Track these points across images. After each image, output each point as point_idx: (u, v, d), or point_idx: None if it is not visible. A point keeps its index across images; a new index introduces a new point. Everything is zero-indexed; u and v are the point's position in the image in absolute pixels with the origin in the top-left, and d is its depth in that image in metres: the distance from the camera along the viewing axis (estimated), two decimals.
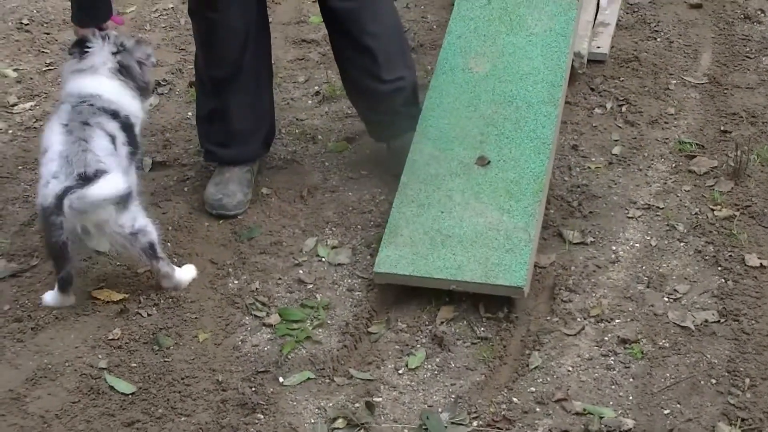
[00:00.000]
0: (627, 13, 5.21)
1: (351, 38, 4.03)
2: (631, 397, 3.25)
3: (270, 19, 5.41)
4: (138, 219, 3.56)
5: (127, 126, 3.70)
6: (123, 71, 3.76)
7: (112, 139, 3.62)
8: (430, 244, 3.66)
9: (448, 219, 3.72)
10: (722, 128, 4.39)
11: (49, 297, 3.70)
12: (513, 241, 3.62)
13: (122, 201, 3.47)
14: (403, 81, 4.14)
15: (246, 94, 4.09)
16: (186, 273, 3.76)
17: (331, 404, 3.30)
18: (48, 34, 5.46)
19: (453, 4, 4.49)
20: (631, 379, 3.31)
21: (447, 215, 3.73)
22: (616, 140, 4.35)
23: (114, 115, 3.67)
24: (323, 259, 3.86)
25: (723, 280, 3.65)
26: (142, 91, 3.83)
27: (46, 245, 3.59)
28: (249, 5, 3.98)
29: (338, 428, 3.22)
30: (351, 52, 4.08)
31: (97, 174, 3.45)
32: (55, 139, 3.55)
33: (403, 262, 3.62)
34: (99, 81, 3.72)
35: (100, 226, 3.49)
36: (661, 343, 3.43)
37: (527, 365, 3.39)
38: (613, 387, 3.29)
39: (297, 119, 4.64)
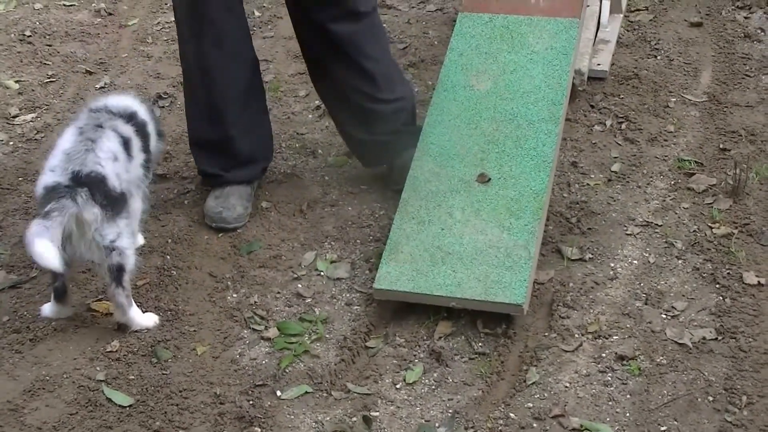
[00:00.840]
0: (627, 31, 5.24)
1: (350, 62, 4.03)
2: (628, 414, 3.26)
3: (272, 34, 5.46)
4: (122, 237, 3.48)
5: (143, 133, 3.69)
6: None
7: (126, 141, 3.59)
8: (431, 261, 3.67)
9: (449, 236, 3.73)
10: (721, 146, 4.41)
11: (47, 308, 3.70)
12: (513, 258, 3.63)
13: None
14: (404, 101, 4.16)
15: (249, 119, 4.10)
16: (144, 318, 3.65)
17: (328, 418, 3.30)
18: (50, 46, 5.47)
19: (454, 20, 4.50)
20: (628, 396, 3.31)
21: (447, 232, 3.74)
22: (616, 157, 4.37)
23: (130, 117, 3.65)
24: (322, 273, 3.87)
25: (721, 298, 3.65)
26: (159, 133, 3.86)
27: None
28: (243, 25, 4.00)
29: None
30: (350, 77, 4.07)
31: (91, 176, 3.41)
32: (65, 138, 3.53)
33: (403, 279, 3.63)
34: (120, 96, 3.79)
35: (83, 229, 3.42)
36: (658, 360, 3.43)
37: (525, 381, 3.39)
38: (610, 403, 3.30)
39: (297, 133, 4.66)
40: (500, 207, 3.79)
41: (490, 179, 3.87)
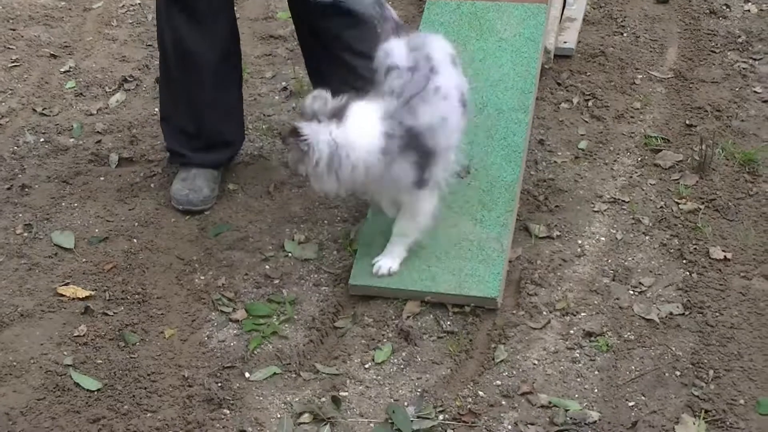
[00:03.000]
0: (594, 8, 5.24)
1: (339, 58, 4.02)
2: (596, 390, 3.27)
3: (237, 15, 5.41)
4: None
5: None
6: None
7: None
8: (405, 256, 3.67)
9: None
10: (687, 122, 4.42)
11: None
12: (486, 251, 3.63)
13: None
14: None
15: (220, 102, 4.07)
16: None
17: (297, 399, 3.29)
18: (14, 30, 5.42)
19: (421, 0, 4.48)
20: (596, 372, 3.33)
21: None
22: (583, 135, 4.37)
23: None
24: (290, 255, 3.86)
25: (687, 273, 3.67)
26: None
27: None
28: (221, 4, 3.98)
29: (304, 423, 3.22)
30: (340, 72, 4.06)
31: None
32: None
33: None
34: None
35: None
36: (626, 336, 3.44)
37: (493, 359, 3.40)
38: (578, 380, 3.31)
39: (264, 115, 4.63)
40: (473, 199, 3.78)
41: (469, 172, 3.85)
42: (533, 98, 4.05)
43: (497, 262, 3.60)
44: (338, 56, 4.02)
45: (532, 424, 3.17)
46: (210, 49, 3.98)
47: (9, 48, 5.28)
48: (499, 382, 3.31)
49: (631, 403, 3.21)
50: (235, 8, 4.11)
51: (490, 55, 4.18)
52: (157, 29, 4.10)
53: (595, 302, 3.58)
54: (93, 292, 3.71)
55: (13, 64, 5.14)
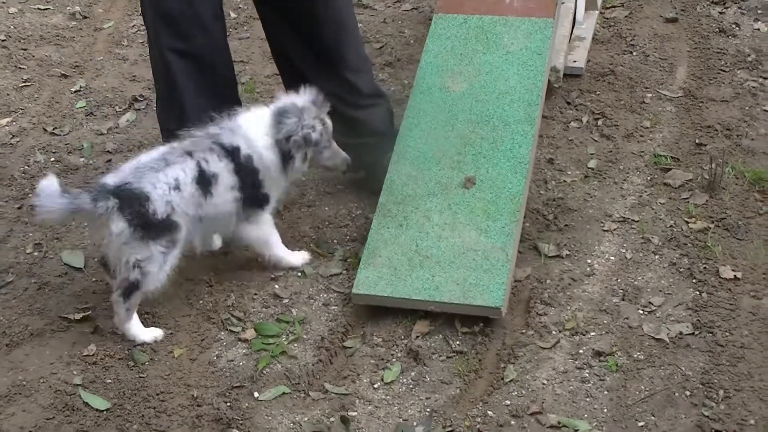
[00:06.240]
0: (603, 27, 5.24)
1: (333, 73, 4.05)
2: (605, 410, 3.26)
3: (248, 35, 5.44)
4: (151, 262, 3.49)
5: (247, 170, 3.63)
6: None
7: (207, 177, 3.56)
8: (409, 265, 3.67)
9: (426, 239, 3.73)
10: (697, 141, 4.42)
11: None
12: (491, 261, 3.63)
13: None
14: (383, 103, 4.17)
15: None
16: (143, 333, 3.61)
17: (306, 419, 3.29)
18: (25, 50, 5.45)
19: (430, 19, 4.50)
20: (605, 392, 3.32)
21: (425, 236, 3.74)
22: (592, 154, 4.37)
23: (231, 153, 3.61)
24: (299, 274, 3.86)
25: (697, 293, 3.66)
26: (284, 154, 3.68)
27: None
28: (214, 31, 3.98)
29: None
30: (333, 87, 4.07)
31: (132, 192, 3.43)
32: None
33: (382, 284, 3.63)
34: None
35: (110, 237, 3.46)
36: (635, 356, 3.43)
37: (502, 378, 3.39)
38: (587, 399, 3.30)
39: None
40: (477, 209, 3.79)
41: (475, 183, 3.86)
42: (539, 110, 4.06)
43: (502, 272, 3.60)
44: (338, 73, 4.05)
45: None
46: (195, 70, 3.98)
47: (20, 68, 5.31)
48: (508, 402, 3.31)
49: (640, 423, 3.20)
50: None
51: (497, 68, 4.19)
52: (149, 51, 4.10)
53: (605, 322, 3.57)
54: (103, 312, 3.71)
55: (24, 84, 5.17)
